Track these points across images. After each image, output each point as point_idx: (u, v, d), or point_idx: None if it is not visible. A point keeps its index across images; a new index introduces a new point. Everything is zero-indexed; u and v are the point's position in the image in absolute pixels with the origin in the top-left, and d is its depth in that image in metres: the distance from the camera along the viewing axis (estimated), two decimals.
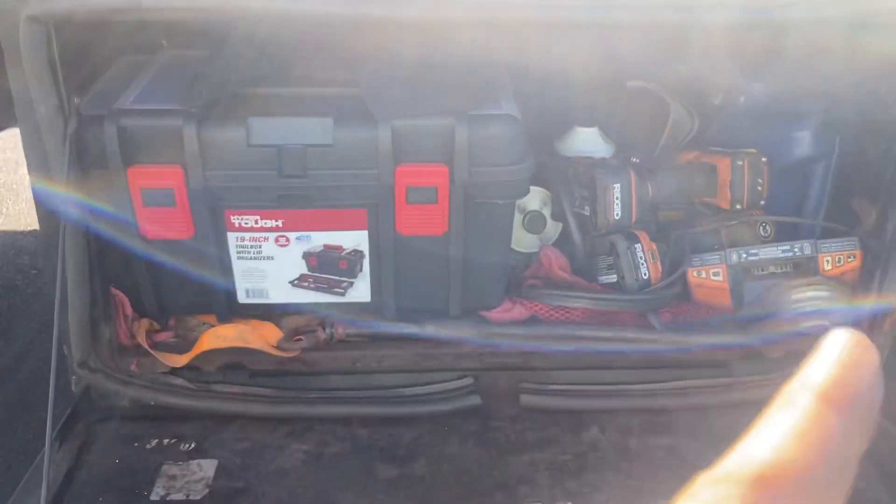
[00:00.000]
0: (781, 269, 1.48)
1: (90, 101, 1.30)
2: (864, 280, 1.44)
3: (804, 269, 1.47)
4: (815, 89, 1.59)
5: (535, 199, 1.60)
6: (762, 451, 0.28)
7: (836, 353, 0.31)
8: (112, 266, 1.36)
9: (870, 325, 1.43)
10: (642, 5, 1.16)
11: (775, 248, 1.47)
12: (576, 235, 1.54)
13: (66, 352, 1.34)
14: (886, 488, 1.28)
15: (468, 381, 1.44)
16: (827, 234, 1.53)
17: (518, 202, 1.47)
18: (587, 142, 1.67)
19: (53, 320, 1.19)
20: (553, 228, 1.62)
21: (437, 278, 1.41)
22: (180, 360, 1.38)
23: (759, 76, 1.63)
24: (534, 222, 1.61)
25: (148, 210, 1.28)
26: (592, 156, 1.64)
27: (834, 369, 0.30)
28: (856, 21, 1.18)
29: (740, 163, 1.52)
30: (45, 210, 1.24)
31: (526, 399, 1.42)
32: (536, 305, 1.48)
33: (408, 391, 1.43)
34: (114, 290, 1.38)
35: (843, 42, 1.45)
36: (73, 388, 1.40)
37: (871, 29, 1.26)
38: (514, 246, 1.59)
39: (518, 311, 1.48)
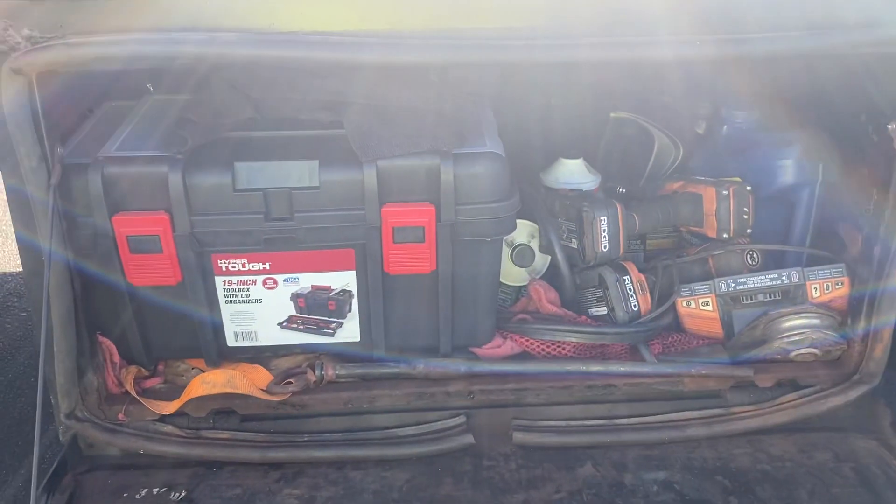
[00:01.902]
0: (770, 297, 1.48)
1: (75, 148, 1.30)
2: (852, 306, 1.45)
3: (792, 296, 1.47)
4: (797, 118, 1.61)
5: (523, 232, 1.61)
6: None
7: None
8: (98, 314, 1.35)
9: (860, 351, 1.43)
10: (627, 42, 1.16)
11: (763, 277, 1.48)
12: (564, 268, 1.54)
13: (52, 402, 1.33)
14: None
15: (460, 419, 1.43)
16: (814, 261, 1.54)
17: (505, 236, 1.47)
18: (573, 173, 1.68)
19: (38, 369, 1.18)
20: (541, 261, 1.62)
21: (426, 316, 1.41)
22: (169, 408, 1.36)
23: (741, 106, 1.65)
24: (522, 255, 1.61)
25: (134, 257, 1.28)
26: (578, 187, 1.65)
27: None
28: (836, 53, 1.20)
29: (725, 192, 1.53)
30: (30, 259, 1.23)
31: (519, 436, 1.41)
32: (527, 340, 1.47)
33: (400, 432, 1.42)
34: (100, 338, 1.37)
35: (823, 72, 1.48)
36: (60, 437, 1.38)
37: (851, 60, 1.28)
38: (502, 279, 1.59)
39: (508, 346, 1.48)
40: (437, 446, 1.40)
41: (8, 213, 3.08)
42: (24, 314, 2.45)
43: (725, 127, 1.68)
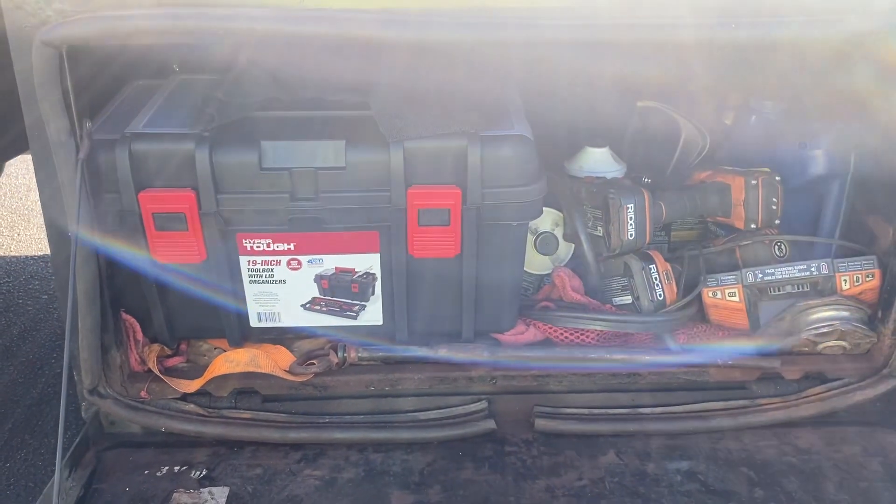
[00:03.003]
0: (798, 288, 1.46)
1: (102, 125, 1.30)
2: (883, 299, 1.42)
3: (821, 288, 1.45)
4: (828, 107, 1.59)
5: (547, 220, 1.59)
6: None
7: None
8: (123, 291, 1.35)
9: (890, 345, 1.41)
10: (655, 24, 1.15)
11: (792, 268, 1.46)
12: (589, 256, 1.52)
13: (76, 378, 1.33)
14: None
15: (482, 404, 1.42)
16: (844, 252, 1.52)
17: (529, 223, 1.46)
18: (598, 161, 1.66)
19: (64, 346, 1.18)
20: (565, 249, 1.60)
21: (449, 301, 1.40)
22: (191, 386, 1.36)
23: (771, 95, 1.62)
24: (546, 243, 1.59)
25: (160, 234, 1.27)
26: (603, 175, 1.63)
27: None
28: (868, 39, 1.17)
29: (754, 182, 1.51)
30: (56, 234, 1.24)
31: (541, 423, 1.40)
32: (550, 328, 1.46)
33: (422, 415, 1.41)
34: (124, 316, 1.37)
35: (853, 59, 1.45)
36: (83, 414, 1.38)
37: (882, 46, 1.25)
38: (525, 268, 1.58)
39: (531, 333, 1.46)
40: (459, 431, 1.39)
41: (28, 198, 3.12)
42: (45, 297, 2.46)
43: (754, 117, 1.65)
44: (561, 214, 1.58)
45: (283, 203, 1.27)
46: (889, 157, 1.43)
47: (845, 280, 1.44)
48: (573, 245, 1.58)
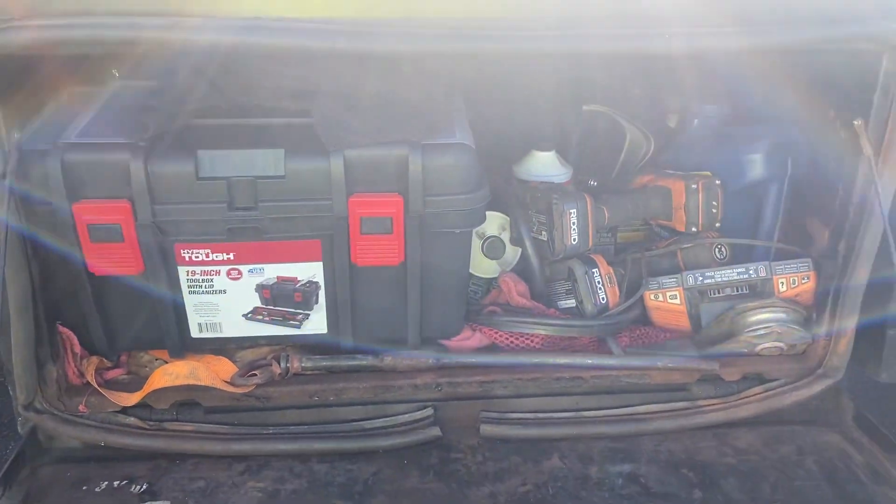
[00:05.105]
0: (737, 291, 1.49)
1: (33, 135, 1.27)
2: (817, 301, 1.46)
3: (760, 290, 1.48)
4: (766, 112, 1.62)
5: (494, 224, 1.60)
6: None
7: None
8: (59, 303, 1.32)
9: (824, 345, 1.45)
10: (599, 34, 1.16)
11: (731, 271, 1.48)
12: (534, 261, 1.53)
13: (10, 393, 1.30)
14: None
15: (428, 412, 1.42)
16: (782, 255, 1.55)
17: (477, 228, 1.47)
18: (545, 165, 1.67)
19: None
20: (512, 253, 1.61)
21: (394, 308, 1.40)
22: (131, 399, 1.34)
23: (713, 99, 1.65)
24: (493, 248, 1.60)
25: (95, 246, 1.25)
26: (550, 179, 1.64)
27: None
28: (807, 48, 1.20)
29: (694, 186, 1.54)
30: None
31: (486, 429, 1.41)
32: (496, 332, 1.47)
33: (367, 424, 1.40)
34: (60, 328, 1.34)
35: (794, 67, 1.48)
36: (19, 430, 1.35)
37: (820, 55, 1.28)
38: (473, 271, 1.59)
39: (477, 338, 1.47)
40: (404, 439, 1.39)
41: None
42: None
43: (696, 121, 1.68)
44: (508, 218, 1.59)
45: (221, 213, 1.25)
46: (822, 160, 1.47)
47: (782, 282, 1.47)
48: (520, 249, 1.58)
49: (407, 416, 1.42)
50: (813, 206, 1.52)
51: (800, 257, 1.49)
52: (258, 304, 1.36)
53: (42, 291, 1.29)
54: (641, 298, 1.51)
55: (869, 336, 1.41)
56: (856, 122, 1.27)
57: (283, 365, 1.37)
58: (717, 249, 1.56)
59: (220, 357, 1.40)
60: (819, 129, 1.45)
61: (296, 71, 1.35)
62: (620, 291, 1.51)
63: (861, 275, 1.35)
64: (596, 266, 1.50)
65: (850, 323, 1.40)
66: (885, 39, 1.17)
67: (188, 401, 1.38)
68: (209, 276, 1.32)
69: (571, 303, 1.53)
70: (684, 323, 1.50)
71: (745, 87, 1.60)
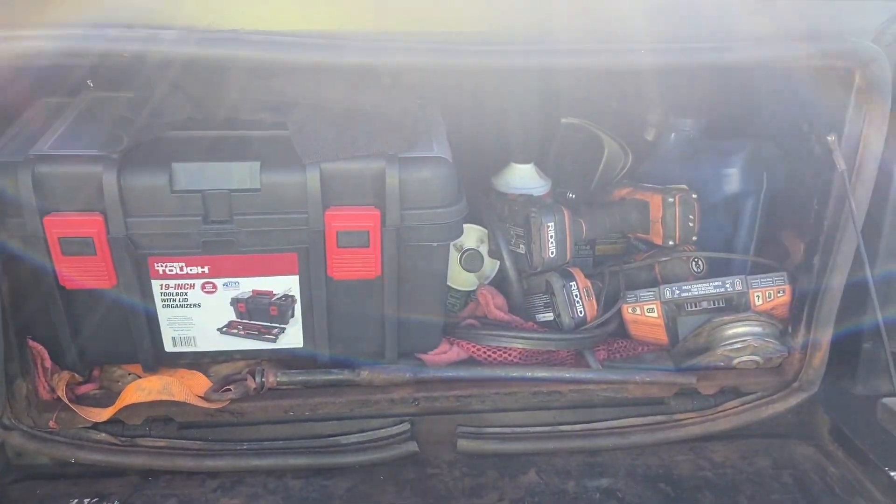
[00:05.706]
0: (714, 304, 1.49)
1: (4, 147, 1.25)
2: (793, 314, 1.47)
3: (736, 304, 1.48)
4: (743, 127, 1.63)
5: (473, 237, 1.60)
6: None
7: None
8: (29, 318, 1.30)
9: (800, 359, 1.45)
10: (576, 50, 1.16)
11: (707, 284, 1.49)
12: (512, 274, 1.53)
13: None
14: None
15: (405, 427, 1.41)
16: (758, 268, 1.56)
17: (455, 241, 1.46)
18: (523, 178, 1.68)
19: None
20: (490, 266, 1.61)
21: (371, 322, 1.39)
22: (102, 415, 1.32)
23: (689, 114, 1.66)
24: (471, 260, 1.60)
25: (67, 259, 1.23)
26: (529, 192, 1.64)
27: None
28: (780, 64, 1.21)
29: (671, 199, 1.54)
30: None
31: (463, 444, 1.40)
32: (473, 346, 1.46)
33: (343, 440, 1.39)
34: (31, 343, 1.32)
35: (769, 82, 1.50)
36: None
37: (794, 71, 1.30)
38: (451, 284, 1.58)
39: (455, 352, 1.46)
40: (381, 454, 1.38)
41: None
42: None
43: (673, 135, 1.69)
44: (486, 231, 1.58)
45: (196, 226, 1.24)
46: (797, 175, 1.48)
47: (758, 296, 1.48)
48: (498, 262, 1.58)
49: (383, 430, 1.41)
50: (788, 221, 1.53)
51: (775, 271, 1.50)
52: (233, 317, 1.34)
53: (12, 305, 1.27)
54: (619, 311, 1.51)
55: (844, 349, 1.42)
56: (829, 138, 1.28)
57: (258, 379, 1.35)
58: (694, 263, 1.57)
59: (195, 371, 1.38)
60: (794, 144, 1.46)
61: (272, 84, 1.34)
62: (598, 304, 1.51)
63: (836, 289, 1.36)
64: (574, 279, 1.50)
65: (825, 336, 1.40)
66: (857, 57, 1.18)
67: (161, 416, 1.36)
68: (183, 290, 1.30)
69: (549, 316, 1.52)
70: (662, 336, 1.51)
71: (721, 101, 1.61)
